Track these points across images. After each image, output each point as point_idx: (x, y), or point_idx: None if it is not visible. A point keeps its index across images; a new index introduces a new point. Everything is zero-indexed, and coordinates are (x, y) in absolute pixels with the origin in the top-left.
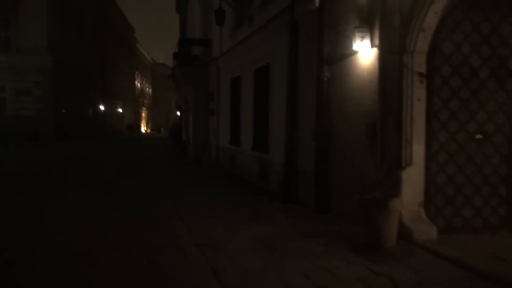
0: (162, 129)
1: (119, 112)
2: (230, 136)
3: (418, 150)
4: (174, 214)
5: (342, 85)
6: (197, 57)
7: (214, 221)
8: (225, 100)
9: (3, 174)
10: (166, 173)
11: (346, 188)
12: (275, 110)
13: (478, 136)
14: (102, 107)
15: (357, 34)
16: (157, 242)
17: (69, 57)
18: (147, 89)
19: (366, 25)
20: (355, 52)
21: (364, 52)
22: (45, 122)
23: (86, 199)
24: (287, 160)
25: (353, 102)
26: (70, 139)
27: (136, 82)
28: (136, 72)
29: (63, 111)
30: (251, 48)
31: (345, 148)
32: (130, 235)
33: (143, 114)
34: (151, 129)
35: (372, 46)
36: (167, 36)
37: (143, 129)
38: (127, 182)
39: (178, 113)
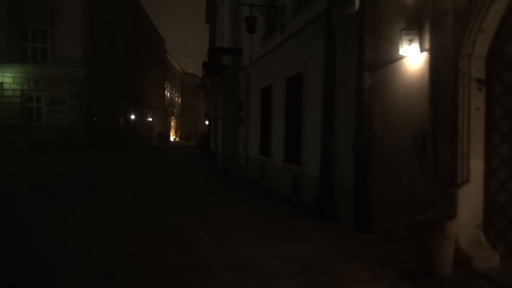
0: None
1: (149, 121)
2: (260, 146)
3: (476, 166)
4: (203, 229)
5: (385, 93)
6: (226, 66)
7: (245, 238)
8: (255, 109)
9: (35, 182)
10: (195, 184)
11: (390, 205)
12: (309, 120)
13: None
14: (133, 116)
15: (404, 38)
16: (185, 261)
17: (102, 67)
18: (176, 98)
19: (415, 27)
20: (401, 57)
21: (412, 57)
22: (78, 131)
23: (112, 211)
24: (322, 173)
25: (398, 112)
26: (102, 148)
27: (166, 92)
28: (166, 82)
29: (95, 120)
30: (283, 55)
31: (389, 161)
32: (157, 252)
33: (172, 123)
34: (180, 138)
35: (421, 51)
36: (196, 46)
37: (172, 137)
38: (155, 192)
39: (207, 122)
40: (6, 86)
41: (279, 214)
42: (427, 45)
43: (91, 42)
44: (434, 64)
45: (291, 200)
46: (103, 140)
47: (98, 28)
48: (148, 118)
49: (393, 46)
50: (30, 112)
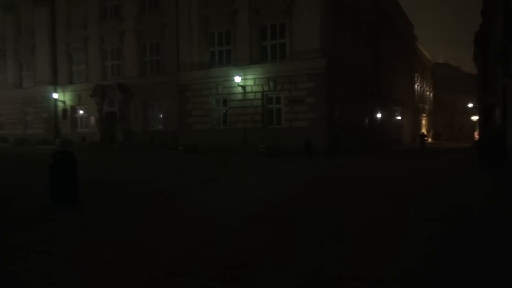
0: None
1: (397, 120)
2: None
3: None
4: None
5: None
6: None
7: None
8: None
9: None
10: None
11: None
12: None
13: None
14: (379, 115)
15: None
16: None
17: (343, 58)
18: (427, 92)
19: None
20: None
21: None
22: (317, 134)
23: None
24: None
25: None
26: (343, 153)
27: (415, 85)
28: (416, 74)
29: (337, 120)
30: None
31: None
32: None
33: (423, 121)
34: (434, 138)
35: None
36: (445, 33)
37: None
38: None
39: (474, 117)
40: (248, 89)
41: None
42: None
43: (330, 29)
44: None
45: None
46: (345, 144)
47: (338, 13)
48: (396, 116)
49: None
50: (270, 115)
